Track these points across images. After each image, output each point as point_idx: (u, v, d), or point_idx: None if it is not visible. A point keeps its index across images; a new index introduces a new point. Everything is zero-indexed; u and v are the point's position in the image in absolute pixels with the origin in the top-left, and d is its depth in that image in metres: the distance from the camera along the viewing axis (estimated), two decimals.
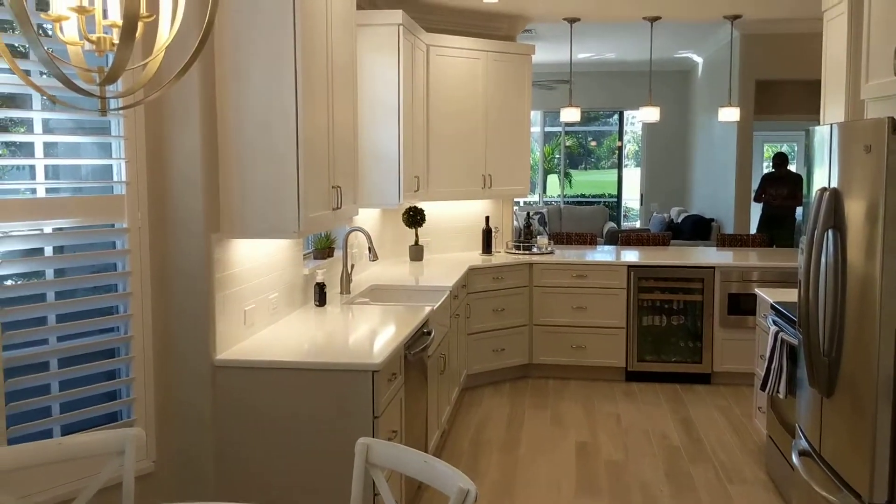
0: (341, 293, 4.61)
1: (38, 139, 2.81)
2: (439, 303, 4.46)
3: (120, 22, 1.59)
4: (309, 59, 3.26)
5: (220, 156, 3.21)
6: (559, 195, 14.42)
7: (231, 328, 3.31)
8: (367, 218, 5.45)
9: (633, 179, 13.90)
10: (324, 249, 4.65)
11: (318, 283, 4.20)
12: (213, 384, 3.17)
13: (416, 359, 3.84)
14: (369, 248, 4.56)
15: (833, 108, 4.14)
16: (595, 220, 12.08)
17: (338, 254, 4.80)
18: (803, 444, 3.33)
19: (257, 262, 3.59)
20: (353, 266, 4.79)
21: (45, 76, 2.76)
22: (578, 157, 15.52)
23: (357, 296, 4.62)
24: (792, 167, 10.41)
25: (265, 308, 3.67)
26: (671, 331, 6.18)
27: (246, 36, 3.16)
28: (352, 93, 3.98)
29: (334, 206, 3.65)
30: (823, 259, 3.04)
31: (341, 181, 3.75)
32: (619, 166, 14.18)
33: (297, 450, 3.14)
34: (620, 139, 14.17)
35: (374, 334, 3.59)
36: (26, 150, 2.84)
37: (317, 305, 4.20)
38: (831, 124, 3.10)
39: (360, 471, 2.15)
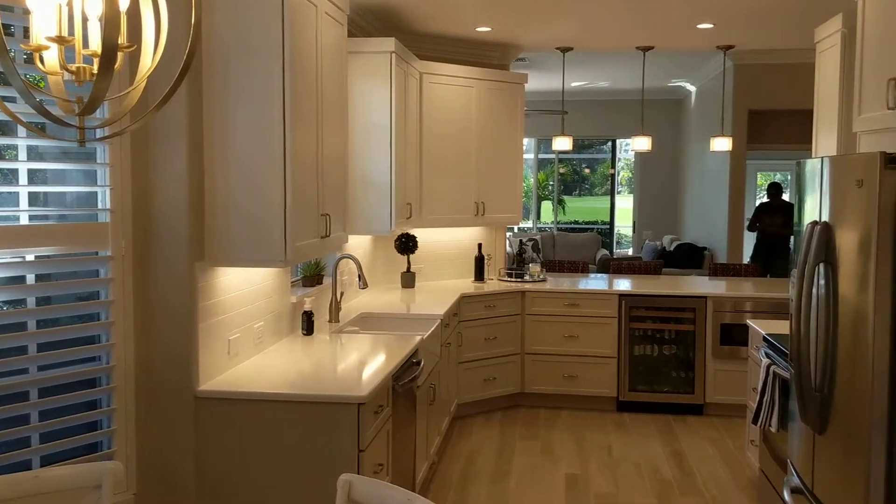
0: (330, 322, 4.56)
1: (23, 166, 2.78)
2: (430, 331, 4.41)
3: (100, 51, 1.56)
4: (297, 86, 3.24)
5: (205, 183, 3.18)
6: (553, 222, 14.42)
7: (214, 358, 3.26)
8: (358, 244, 5.41)
9: (626, 206, 13.92)
10: (312, 277, 4.61)
11: (305, 312, 4.15)
12: (196, 416, 3.11)
13: (405, 389, 3.79)
14: (359, 276, 4.52)
15: (825, 140, 4.13)
16: (588, 247, 12.08)
17: (327, 281, 4.75)
18: (795, 480, 3.28)
19: (243, 290, 3.55)
20: (342, 294, 4.75)
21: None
22: (572, 183, 15.54)
23: (346, 324, 4.57)
24: (786, 196, 10.44)
25: (250, 338, 3.62)
26: (663, 360, 6.14)
27: (234, 64, 3.14)
28: (342, 120, 3.96)
29: (323, 234, 3.62)
30: (815, 292, 3.01)
31: (330, 209, 3.72)
32: (612, 193, 14.22)
33: (281, 484, 3.08)
34: (613, 167, 14.20)
35: (361, 365, 3.55)
36: (13, 176, 2.81)
37: (304, 334, 4.15)
38: (822, 157, 3.09)
39: None
